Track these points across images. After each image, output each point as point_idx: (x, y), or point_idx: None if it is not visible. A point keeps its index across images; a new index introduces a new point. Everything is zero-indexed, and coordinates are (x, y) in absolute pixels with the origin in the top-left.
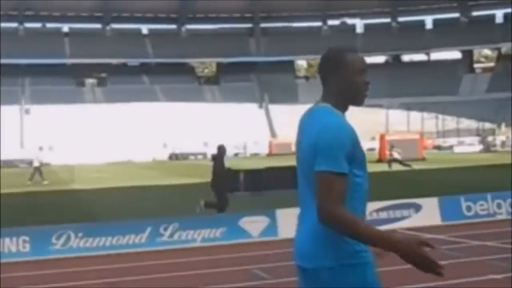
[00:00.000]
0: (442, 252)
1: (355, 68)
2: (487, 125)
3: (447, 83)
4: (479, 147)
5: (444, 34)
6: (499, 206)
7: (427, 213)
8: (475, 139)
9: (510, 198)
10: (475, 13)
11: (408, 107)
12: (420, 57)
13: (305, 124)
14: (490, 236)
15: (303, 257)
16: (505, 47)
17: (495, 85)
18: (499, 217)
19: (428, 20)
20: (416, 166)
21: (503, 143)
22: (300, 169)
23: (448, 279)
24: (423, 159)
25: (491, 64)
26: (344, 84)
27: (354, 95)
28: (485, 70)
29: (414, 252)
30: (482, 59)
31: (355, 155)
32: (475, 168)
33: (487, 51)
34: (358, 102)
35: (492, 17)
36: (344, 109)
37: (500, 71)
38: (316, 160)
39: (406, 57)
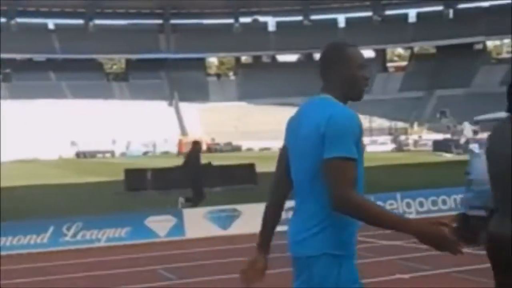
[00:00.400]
0: None
1: (356, 62)
2: (400, 124)
3: None
4: (391, 146)
5: (357, 32)
6: (408, 205)
7: None
8: (388, 138)
9: (419, 197)
10: (388, 12)
11: None
12: None
13: (306, 115)
14: (398, 236)
15: (297, 247)
16: (417, 46)
17: (407, 84)
18: (408, 216)
19: (341, 19)
20: None
21: (415, 142)
22: (298, 159)
23: None
24: None
25: (404, 63)
26: (345, 78)
27: (353, 89)
28: (398, 69)
29: (434, 233)
30: (395, 58)
31: (359, 144)
32: (387, 167)
33: (400, 50)
34: (357, 97)
35: (405, 16)
36: (343, 102)
37: (413, 70)
38: (326, 148)
39: (319, 56)
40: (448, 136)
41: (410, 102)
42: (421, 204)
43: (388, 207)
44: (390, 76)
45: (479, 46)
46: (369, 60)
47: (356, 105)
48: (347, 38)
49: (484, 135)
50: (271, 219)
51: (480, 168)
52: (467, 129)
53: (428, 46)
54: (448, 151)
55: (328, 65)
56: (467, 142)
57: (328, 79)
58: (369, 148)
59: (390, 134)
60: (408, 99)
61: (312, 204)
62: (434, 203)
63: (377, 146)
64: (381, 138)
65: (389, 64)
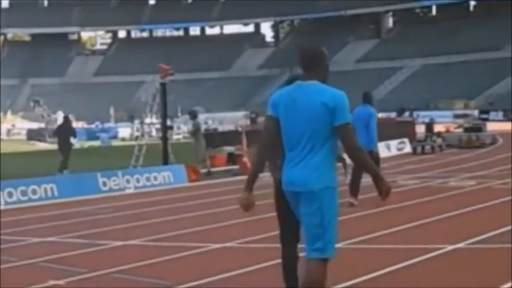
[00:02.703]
0: None
1: (328, 59)
2: None
3: None
4: None
5: None
6: None
7: None
8: None
9: (8, 188)
10: None
11: None
12: None
13: (304, 94)
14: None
15: (303, 184)
16: (11, 33)
17: (1, 72)
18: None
19: None
20: None
21: (8, 131)
22: (302, 123)
23: None
24: None
25: None
26: (325, 70)
27: (327, 77)
28: None
29: (389, 189)
30: None
31: None
32: None
33: None
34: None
35: None
36: None
37: (7, 58)
38: (338, 116)
39: None
40: (42, 125)
41: (4, 90)
42: (10, 195)
43: None
44: None
45: (74, 37)
46: None
47: None
48: None
49: (74, 125)
50: (259, 170)
51: None
52: (61, 118)
53: (23, 34)
54: (42, 140)
55: (315, 60)
56: None
57: (313, 70)
58: None
59: None
60: (2, 87)
61: (316, 153)
62: (23, 193)
63: None
64: None
65: None
